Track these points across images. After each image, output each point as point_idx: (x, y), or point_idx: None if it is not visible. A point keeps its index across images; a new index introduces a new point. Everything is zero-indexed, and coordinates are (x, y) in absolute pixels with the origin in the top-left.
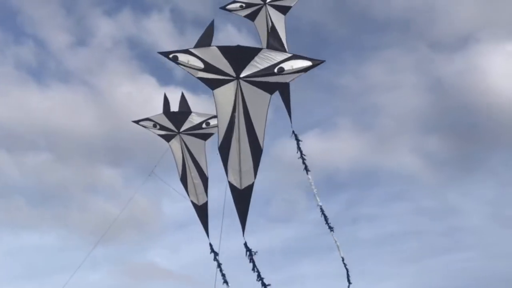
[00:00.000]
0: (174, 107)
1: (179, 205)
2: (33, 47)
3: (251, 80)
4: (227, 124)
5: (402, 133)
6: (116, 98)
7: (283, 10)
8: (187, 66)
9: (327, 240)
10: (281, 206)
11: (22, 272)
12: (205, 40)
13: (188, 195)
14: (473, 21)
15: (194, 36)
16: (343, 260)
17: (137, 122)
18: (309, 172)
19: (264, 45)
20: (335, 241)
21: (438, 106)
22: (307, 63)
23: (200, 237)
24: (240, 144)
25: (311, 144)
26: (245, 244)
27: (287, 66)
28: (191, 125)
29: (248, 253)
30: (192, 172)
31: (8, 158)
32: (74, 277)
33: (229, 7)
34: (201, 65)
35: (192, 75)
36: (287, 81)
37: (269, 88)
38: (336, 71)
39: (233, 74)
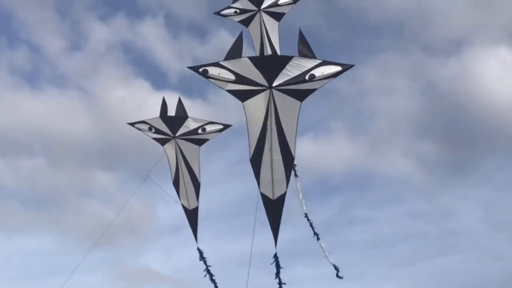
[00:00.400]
0: (170, 111)
1: (174, 209)
2: (28, 52)
3: (283, 88)
4: (258, 135)
5: (396, 137)
6: (110, 103)
7: (277, 16)
8: (217, 79)
9: (323, 242)
10: None
11: (17, 276)
12: (235, 53)
13: (180, 198)
14: (467, 25)
15: (188, 41)
16: (335, 267)
17: (132, 124)
18: (297, 179)
19: (257, 51)
20: (322, 248)
21: (432, 109)
22: (337, 68)
23: (194, 241)
24: (273, 154)
25: (305, 147)
26: (275, 256)
27: (317, 72)
28: (186, 130)
29: (276, 265)
30: (185, 177)
31: (2, 162)
32: (69, 281)
33: (223, 12)
34: (232, 77)
35: (221, 88)
36: (317, 87)
37: (300, 95)
38: None
39: (266, 83)
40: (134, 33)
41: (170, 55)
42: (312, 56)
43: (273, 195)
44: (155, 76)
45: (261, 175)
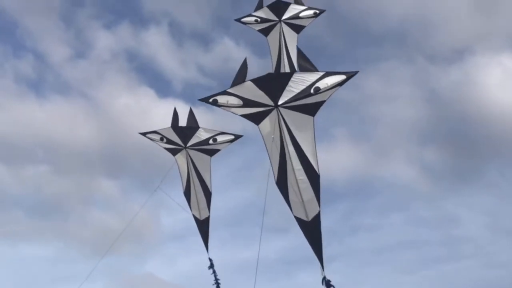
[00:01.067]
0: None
1: (178, 216)
2: (32, 60)
3: (290, 105)
4: (279, 157)
5: (399, 144)
6: (115, 110)
7: (297, 29)
8: (227, 106)
9: (325, 250)
10: (278, 216)
11: (21, 284)
12: (239, 78)
13: (191, 209)
14: (469, 34)
15: (192, 49)
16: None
17: (144, 134)
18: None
19: (274, 61)
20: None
21: (435, 117)
22: (341, 77)
23: (198, 248)
24: (296, 174)
25: None
26: (324, 279)
27: (322, 84)
28: (198, 140)
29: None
30: (196, 187)
31: (7, 170)
32: None
33: (244, 20)
34: (240, 102)
35: (235, 114)
36: (325, 99)
37: (309, 110)
38: None
39: (271, 103)
40: (139, 41)
41: (174, 62)
42: (313, 69)
43: (307, 217)
44: (159, 84)
45: (290, 197)
